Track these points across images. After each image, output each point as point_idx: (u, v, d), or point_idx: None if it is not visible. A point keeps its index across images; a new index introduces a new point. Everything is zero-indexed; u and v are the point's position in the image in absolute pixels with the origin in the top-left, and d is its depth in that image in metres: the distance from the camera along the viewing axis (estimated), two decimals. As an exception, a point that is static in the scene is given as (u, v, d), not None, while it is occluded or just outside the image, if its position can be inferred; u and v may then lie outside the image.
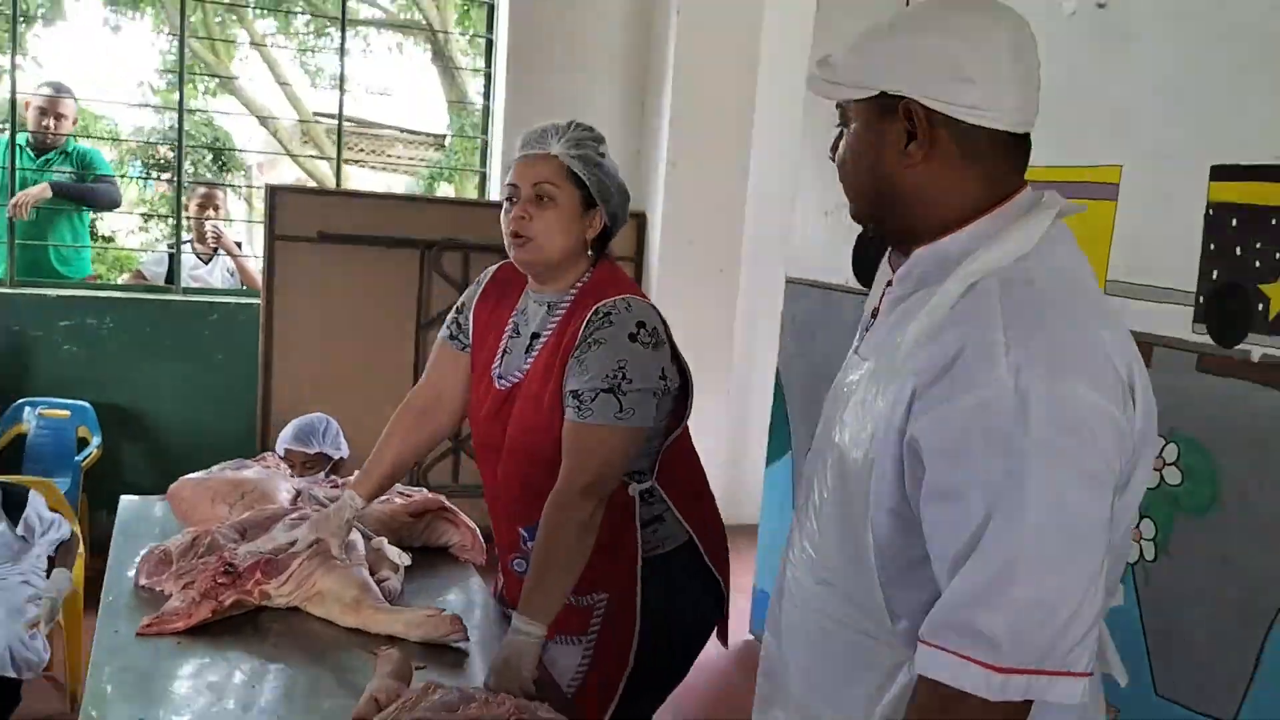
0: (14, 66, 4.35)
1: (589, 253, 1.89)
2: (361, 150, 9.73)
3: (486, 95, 4.85)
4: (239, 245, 4.84)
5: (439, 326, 4.29)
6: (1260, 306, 2.06)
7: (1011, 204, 1.16)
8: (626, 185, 1.93)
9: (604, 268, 1.90)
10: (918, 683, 1.07)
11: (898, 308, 1.20)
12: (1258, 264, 2.07)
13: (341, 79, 4.67)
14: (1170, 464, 2.19)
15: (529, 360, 1.87)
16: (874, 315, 1.27)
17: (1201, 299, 2.17)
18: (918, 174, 1.15)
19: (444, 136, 9.84)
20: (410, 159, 10.41)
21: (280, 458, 2.90)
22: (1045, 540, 0.99)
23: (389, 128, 10.29)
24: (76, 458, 3.84)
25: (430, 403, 2.07)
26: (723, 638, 2.01)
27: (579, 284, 1.87)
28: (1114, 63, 2.37)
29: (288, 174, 9.52)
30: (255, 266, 4.61)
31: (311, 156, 8.95)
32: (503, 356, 1.93)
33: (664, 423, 1.86)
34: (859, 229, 3.28)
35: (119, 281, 5.47)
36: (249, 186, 8.39)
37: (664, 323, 1.85)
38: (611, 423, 1.74)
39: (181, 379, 4.31)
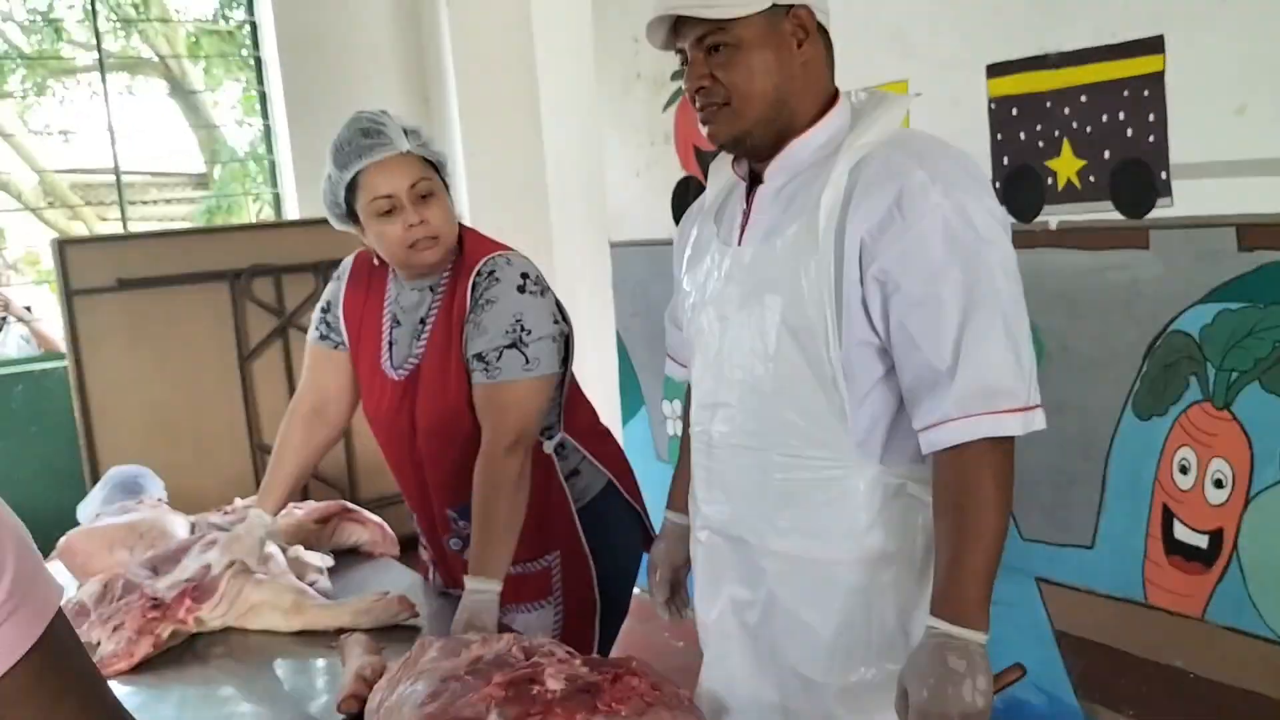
0: None
1: None
2: (119, 201, 9.20)
3: (265, 115, 4.75)
4: (28, 309, 4.56)
5: (263, 355, 4.29)
6: (1049, 181, 2.34)
7: (844, 99, 1.42)
8: None
9: (467, 237, 1.93)
10: (943, 456, 1.28)
11: (780, 194, 1.41)
12: (1040, 144, 2.35)
13: (110, 128, 4.46)
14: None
15: (420, 345, 1.90)
16: (745, 215, 1.46)
17: (998, 185, 2.44)
18: (805, 72, 1.37)
19: (203, 173, 9.43)
20: (169, 200, 9.93)
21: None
22: (1010, 311, 1.28)
23: (138, 173, 9.78)
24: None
25: (317, 406, 2.06)
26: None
27: (452, 259, 1.90)
28: (885, -12, 2.62)
29: (34, 236, 8.90)
30: (48, 327, 4.36)
31: (89, 205, 8.39)
32: (390, 348, 1.94)
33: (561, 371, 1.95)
34: (672, 184, 3.48)
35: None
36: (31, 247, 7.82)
37: (539, 269, 1.91)
38: (520, 376, 1.80)
39: (-4, 459, 4.05)
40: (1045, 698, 2.49)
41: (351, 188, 1.82)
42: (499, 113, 4.63)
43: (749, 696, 1.53)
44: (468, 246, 1.91)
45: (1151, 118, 2.13)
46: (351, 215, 1.86)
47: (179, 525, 2.25)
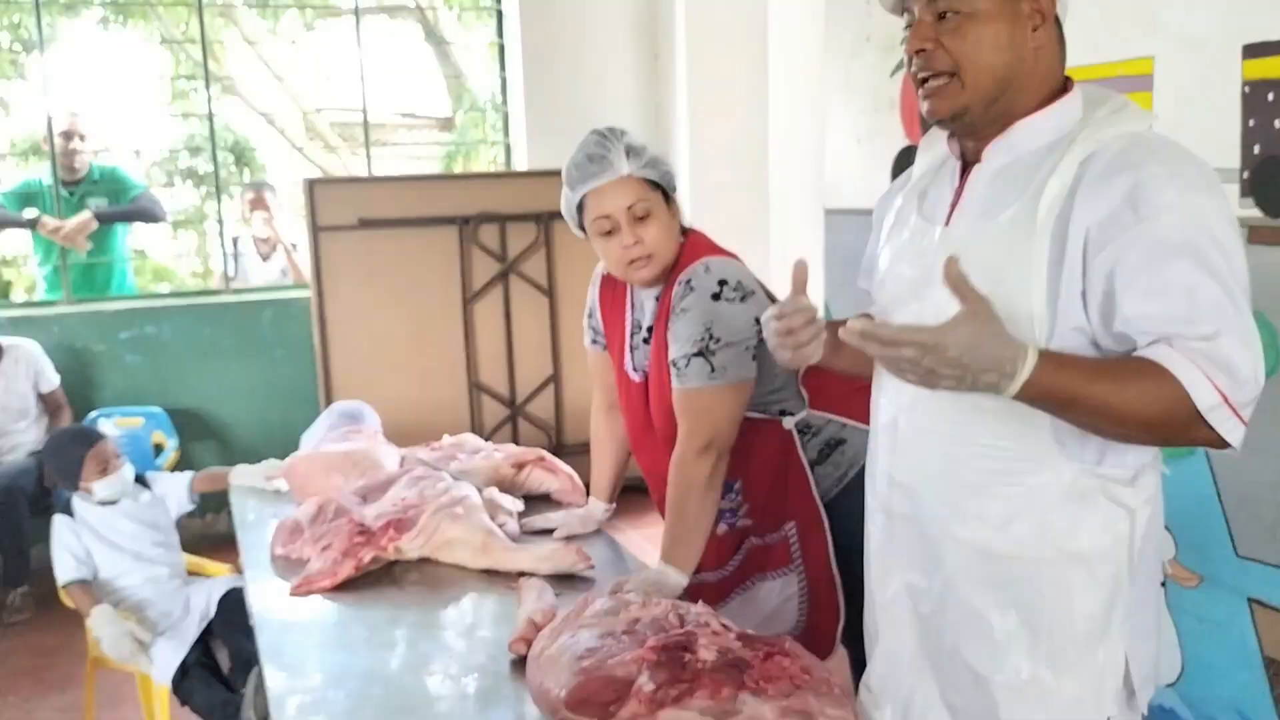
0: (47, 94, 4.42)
1: None
2: (365, 142, 9.80)
3: (502, 66, 4.93)
4: (294, 245, 4.94)
5: (485, 298, 4.50)
6: (1305, 174, 2.14)
7: (1076, 89, 1.36)
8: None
9: (688, 244, 1.99)
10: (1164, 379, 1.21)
11: (999, 175, 1.37)
12: (1298, 134, 2.14)
13: (361, 73, 4.74)
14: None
15: (648, 351, 2.02)
16: (956, 193, 1.42)
17: (1246, 174, 2.25)
18: (1035, 58, 1.34)
19: (449, 118, 9.89)
20: (415, 143, 10.48)
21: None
22: (1246, 318, 1.21)
23: (388, 115, 10.36)
24: (156, 461, 3.98)
25: (610, 401, 2.26)
26: None
27: (674, 268, 1.97)
28: (1136, -43, 2.44)
29: (297, 171, 9.60)
30: (300, 260, 4.74)
31: (341, 148, 9.01)
32: (631, 352, 2.07)
33: None
34: (893, 153, 3.39)
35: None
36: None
37: (748, 273, 1.94)
38: (707, 384, 1.86)
39: (244, 376, 4.45)
40: (1247, 727, 2.33)
41: (581, 207, 1.94)
42: (726, 71, 4.62)
43: (910, 687, 1.51)
44: (685, 254, 1.97)
45: None
46: (584, 229, 1.99)
47: (390, 457, 2.42)
